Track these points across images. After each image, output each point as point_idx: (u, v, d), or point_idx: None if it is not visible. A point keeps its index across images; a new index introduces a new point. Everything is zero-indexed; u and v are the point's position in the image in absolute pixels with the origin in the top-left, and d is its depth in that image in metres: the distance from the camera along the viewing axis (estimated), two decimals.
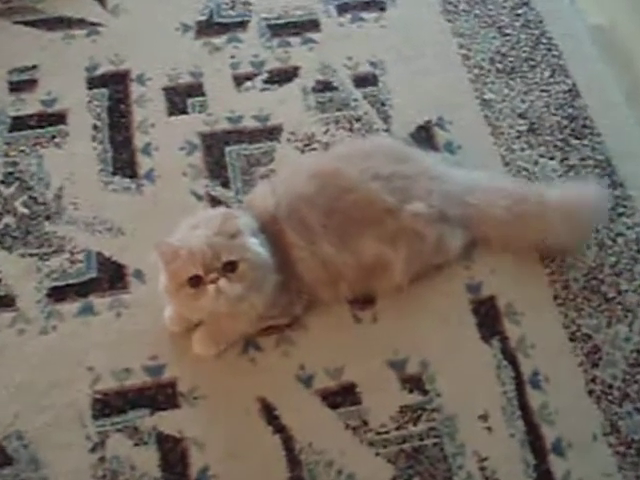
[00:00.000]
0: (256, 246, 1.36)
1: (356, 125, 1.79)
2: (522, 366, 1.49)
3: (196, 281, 1.31)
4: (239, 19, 1.99)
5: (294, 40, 1.94)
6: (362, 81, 1.87)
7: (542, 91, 1.87)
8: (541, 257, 1.59)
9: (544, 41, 1.96)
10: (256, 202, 1.49)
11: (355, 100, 1.84)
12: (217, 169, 1.71)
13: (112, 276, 1.57)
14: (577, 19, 2.02)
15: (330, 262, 1.44)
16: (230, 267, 1.32)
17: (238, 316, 1.42)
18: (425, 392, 1.45)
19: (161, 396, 1.45)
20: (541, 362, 1.49)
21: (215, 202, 1.66)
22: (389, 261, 1.47)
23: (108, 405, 1.43)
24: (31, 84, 1.85)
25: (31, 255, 1.59)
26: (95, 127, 1.78)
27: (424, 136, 1.77)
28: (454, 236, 1.53)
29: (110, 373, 1.46)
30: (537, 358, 1.50)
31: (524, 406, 1.45)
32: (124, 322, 1.51)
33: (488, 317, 1.53)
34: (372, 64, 1.91)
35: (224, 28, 1.96)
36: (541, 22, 1.99)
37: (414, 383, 1.46)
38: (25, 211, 1.65)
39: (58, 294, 1.55)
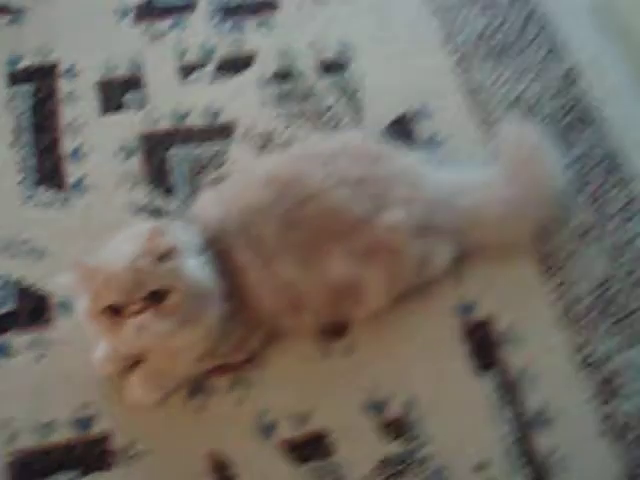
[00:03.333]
0: (193, 270, 1.16)
1: (322, 119, 1.61)
2: (525, 403, 1.32)
3: (114, 311, 1.12)
4: (185, 0, 1.77)
5: (249, 23, 1.74)
6: (328, 68, 1.68)
7: (537, 75, 1.68)
8: (541, 269, 1.43)
9: (536, 18, 1.77)
10: (200, 213, 1.31)
11: (321, 91, 1.65)
12: (159, 176, 1.53)
13: (34, 309, 1.38)
14: None
15: (291, 286, 1.26)
16: (157, 297, 1.12)
17: (175, 354, 1.25)
18: (410, 440, 1.29)
19: (90, 455, 1.26)
20: (548, 397, 1.32)
21: (158, 215, 1.48)
22: (362, 283, 1.28)
23: (28, 468, 1.25)
24: None
25: None
26: (16, 130, 1.58)
27: (402, 130, 1.59)
28: (441, 251, 1.35)
29: (30, 428, 1.28)
30: (543, 392, 1.33)
31: (530, 452, 1.28)
32: (47, 364, 1.33)
33: (484, 344, 1.37)
34: (340, 49, 1.71)
35: (168, 11, 1.75)
36: None
37: (397, 429, 1.29)
38: None
39: None
